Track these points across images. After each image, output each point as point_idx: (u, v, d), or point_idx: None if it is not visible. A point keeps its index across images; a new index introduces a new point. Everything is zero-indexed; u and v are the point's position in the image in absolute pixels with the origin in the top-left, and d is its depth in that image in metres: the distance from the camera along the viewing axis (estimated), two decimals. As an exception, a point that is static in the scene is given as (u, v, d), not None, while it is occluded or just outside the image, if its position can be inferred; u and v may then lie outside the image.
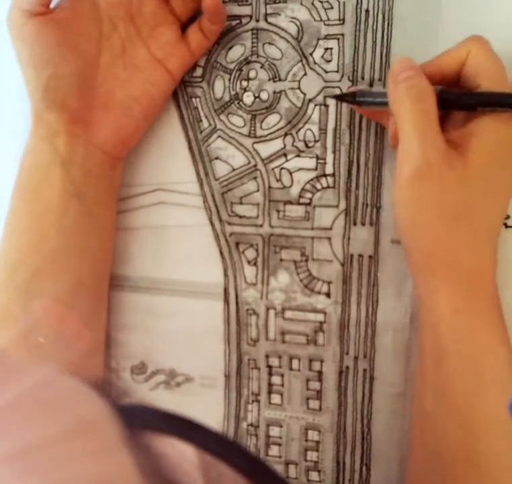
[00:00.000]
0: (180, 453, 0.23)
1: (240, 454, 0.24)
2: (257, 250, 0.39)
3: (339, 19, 0.36)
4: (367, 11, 0.35)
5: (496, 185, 0.30)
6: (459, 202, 0.30)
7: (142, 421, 0.24)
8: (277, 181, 0.38)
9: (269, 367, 0.39)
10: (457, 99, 0.31)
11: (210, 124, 0.39)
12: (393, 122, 0.32)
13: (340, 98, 0.35)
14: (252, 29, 0.37)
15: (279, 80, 0.37)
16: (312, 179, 0.37)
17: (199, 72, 0.39)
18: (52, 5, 0.34)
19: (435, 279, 0.31)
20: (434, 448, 0.31)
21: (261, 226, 0.38)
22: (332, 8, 0.36)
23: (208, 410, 0.41)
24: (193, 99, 0.39)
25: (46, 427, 0.19)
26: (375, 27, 0.35)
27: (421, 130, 0.29)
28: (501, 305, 0.32)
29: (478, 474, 0.30)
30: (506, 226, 0.35)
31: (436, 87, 0.31)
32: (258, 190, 0.38)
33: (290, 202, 0.38)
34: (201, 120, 0.39)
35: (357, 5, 0.35)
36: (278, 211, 0.38)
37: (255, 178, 0.38)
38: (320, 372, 0.38)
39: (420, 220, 0.31)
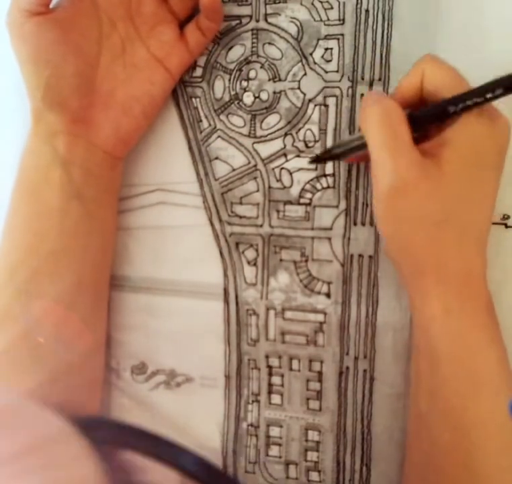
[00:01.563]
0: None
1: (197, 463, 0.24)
2: (256, 250, 0.39)
3: (339, 19, 0.36)
4: (367, 11, 0.35)
5: (477, 188, 0.30)
6: (439, 210, 0.30)
7: (104, 436, 0.25)
8: (277, 181, 0.38)
9: (269, 367, 0.39)
10: (426, 113, 0.30)
11: (210, 124, 0.39)
12: None
13: (318, 160, 0.36)
14: (252, 30, 0.37)
15: (279, 80, 0.37)
16: (312, 179, 0.37)
17: (199, 72, 0.39)
18: (51, 5, 0.34)
19: (424, 283, 0.31)
20: (428, 449, 0.31)
21: (261, 226, 0.38)
22: (332, 8, 0.36)
23: (208, 410, 0.41)
24: (193, 99, 0.39)
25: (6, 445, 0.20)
26: (375, 27, 0.35)
27: (391, 147, 0.29)
28: (493, 305, 0.32)
29: (471, 476, 0.29)
30: (506, 226, 0.35)
31: (403, 110, 0.30)
32: (258, 190, 0.38)
33: (290, 202, 0.38)
34: (201, 120, 0.39)
35: (357, 5, 0.35)
36: (278, 211, 0.38)
37: (255, 178, 0.38)
38: (320, 373, 0.38)
39: (402, 232, 0.31)
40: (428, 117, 0.30)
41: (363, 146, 0.32)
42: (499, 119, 0.30)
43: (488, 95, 0.28)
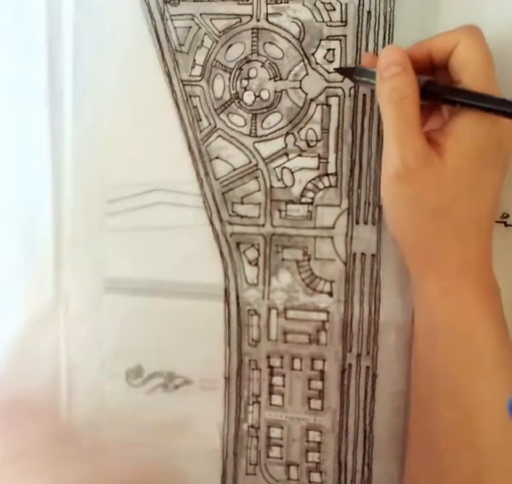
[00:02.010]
0: None
1: None
2: (258, 250, 0.38)
3: (341, 21, 0.36)
4: (368, 12, 0.36)
5: (477, 183, 0.31)
6: (439, 200, 0.30)
7: None
8: (279, 180, 0.38)
9: (271, 367, 0.39)
10: (440, 93, 0.31)
11: (210, 123, 0.39)
12: None
13: (340, 71, 0.36)
14: (252, 29, 0.37)
15: (280, 79, 0.37)
16: (314, 179, 0.37)
17: (198, 71, 0.38)
18: None
19: (424, 268, 0.32)
20: (429, 433, 0.31)
21: (263, 225, 0.38)
22: (334, 10, 0.36)
23: (208, 412, 0.40)
24: (192, 98, 0.39)
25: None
26: (377, 28, 0.36)
27: (400, 135, 0.30)
28: (499, 291, 0.32)
29: (473, 455, 0.30)
30: (505, 224, 0.35)
31: (422, 78, 0.31)
32: (259, 190, 0.38)
33: (292, 202, 0.38)
34: (200, 119, 0.39)
35: (359, 7, 0.36)
36: (280, 210, 0.38)
37: (256, 178, 0.38)
38: (322, 371, 0.38)
39: (403, 217, 0.32)
40: (442, 97, 0.31)
41: None
42: (504, 120, 0.30)
43: (507, 110, 0.29)
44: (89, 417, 0.41)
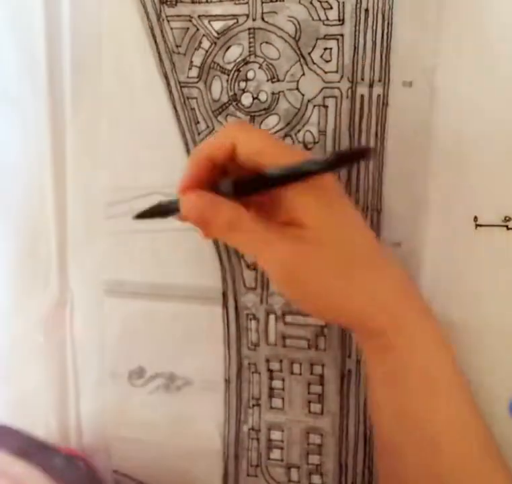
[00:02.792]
0: None
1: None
2: (256, 253, 0.38)
3: (338, 20, 0.35)
4: (366, 10, 0.35)
5: (343, 220, 0.31)
6: (329, 261, 0.30)
7: None
8: (277, 183, 0.37)
9: (270, 371, 0.39)
10: (253, 184, 0.30)
11: (208, 126, 0.38)
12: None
13: (141, 216, 0.34)
14: (249, 29, 0.37)
15: (278, 80, 0.37)
16: (311, 182, 0.37)
17: (195, 72, 0.38)
18: None
19: (368, 327, 0.31)
20: (396, 471, 0.31)
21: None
22: (331, 8, 0.35)
23: (209, 413, 0.40)
24: (190, 100, 0.38)
25: None
26: (375, 27, 0.35)
27: (260, 241, 0.30)
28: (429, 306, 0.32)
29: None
30: (507, 228, 0.34)
31: (226, 182, 0.30)
32: (257, 193, 0.38)
33: (290, 205, 0.37)
34: (198, 122, 0.38)
35: (356, 5, 0.35)
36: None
37: (254, 180, 0.38)
38: (321, 376, 0.38)
39: (317, 300, 0.31)
40: (252, 187, 0.30)
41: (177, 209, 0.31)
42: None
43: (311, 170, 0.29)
44: (93, 417, 0.42)
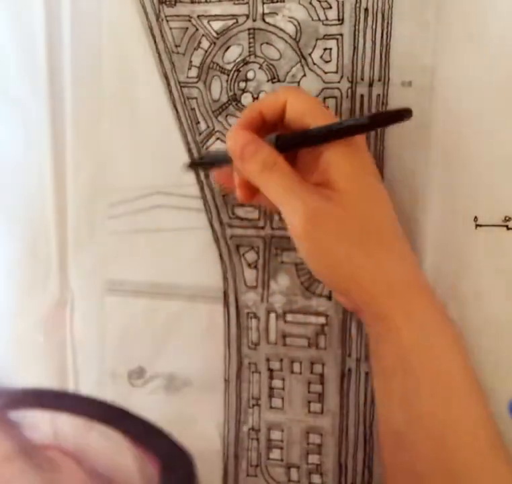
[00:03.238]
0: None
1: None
2: (257, 252, 0.38)
3: (338, 19, 0.35)
4: (366, 10, 0.35)
5: (370, 194, 0.31)
6: (351, 227, 0.30)
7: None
8: (277, 183, 0.37)
9: (270, 370, 0.39)
10: (294, 141, 0.32)
11: (208, 126, 0.38)
12: (237, 176, 0.33)
13: (193, 165, 0.38)
14: (249, 29, 0.37)
15: (278, 81, 0.37)
16: (311, 181, 0.37)
17: (194, 72, 0.38)
18: None
19: (375, 304, 0.31)
20: (407, 462, 0.31)
21: (262, 228, 0.38)
22: (330, 8, 0.35)
23: (208, 413, 0.40)
24: (190, 101, 0.38)
25: None
26: (374, 26, 0.35)
27: (290, 189, 0.30)
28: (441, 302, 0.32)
29: (453, 480, 0.29)
30: (507, 228, 0.35)
31: (270, 136, 0.32)
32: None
33: (290, 204, 0.37)
34: (198, 122, 0.38)
35: (356, 4, 0.35)
36: (280, 213, 0.38)
37: (254, 180, 0.38)
38: (321, 375, 0.38)
39: (332, 265, 0.31)
40: (294, 142, 0.32)
41: (230, 159, 0.33)
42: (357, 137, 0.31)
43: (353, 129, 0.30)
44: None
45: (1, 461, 0.21)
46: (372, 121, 0.30)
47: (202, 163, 0.38)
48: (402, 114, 0.30)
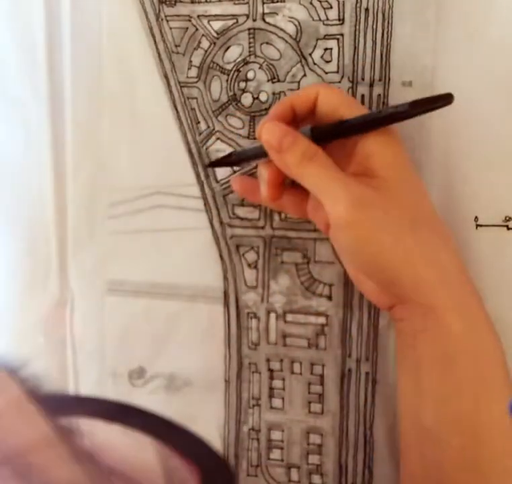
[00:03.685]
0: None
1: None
2: (257, 253, 0.38)
3: (338, 19, 0.35)
4: (366, 9, 0.35)
5: (411, 181, 0.32)
6: (399, 214, 0.30)
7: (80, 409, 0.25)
8: (277, 183, 0.37)
9: (270, 371, 0.39)
10: (331, 131, 0.32)
11: (209, 126, 0.38)
12: (266, 173, 0.34)
13: (214, 165, 0.38)
14: (249, 29, 0.37)
15: (278, 81, 0.37)
16: (312, 181, 0.37)
17: (194, 72, 0.38)
18: None
19: (425, 295, 0.30)
20: (434, 459, 0.31)
21: (263, 228, 0.38)
22: (331, 8, 0.35)
23: (208, 414, 0.40)
24: (190, 100, 0.38)
25: None
26: (375, 26, 0.35)
27: (332, 177, 0.30)
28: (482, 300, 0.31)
29: (480, 479, 0.30)
30: (507, 228, 0.35)
31: (304, 128, 0.32)
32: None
33: (291, 204, 0.37)
34: (199, 122, 0.38)
35: (356, 4, 0.35)
36: (280, 213, 0.38)
37: (255, 180, 0.38)
38: (321, 376, 0.38)
39: (378, 252, 0.30)
40: (331, 133, 0.32)
41: (262, 154, 0.33)
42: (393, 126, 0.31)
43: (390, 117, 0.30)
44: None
45: (41, 446, 0.21)
46: (413, 108, 0.29)
47: (230, 162, 0.37)
48: (444, 99, 0.29)
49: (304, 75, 0.36)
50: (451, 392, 0.30)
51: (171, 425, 0.25)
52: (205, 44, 0.37)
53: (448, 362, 0.30)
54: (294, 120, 0.33)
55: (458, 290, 0.30)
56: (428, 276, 0.30)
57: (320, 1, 0.35)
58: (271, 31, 0.36)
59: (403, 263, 0.30)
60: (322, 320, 0.38)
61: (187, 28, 0.38)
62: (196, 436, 0.25)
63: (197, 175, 0.39)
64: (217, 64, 0.38)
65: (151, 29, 0.38)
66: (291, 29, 0.36)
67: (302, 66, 0.36)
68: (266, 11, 0.36)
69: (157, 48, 0.38)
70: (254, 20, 0.36)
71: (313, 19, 0.36)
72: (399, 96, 0.35)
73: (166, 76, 0.39)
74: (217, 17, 0.37)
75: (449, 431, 0.30)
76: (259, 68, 0.37)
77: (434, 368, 0.31)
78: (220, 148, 0.38)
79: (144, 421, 0.25)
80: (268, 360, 0.39)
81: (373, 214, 0.30)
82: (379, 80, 0.35)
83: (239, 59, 0.37)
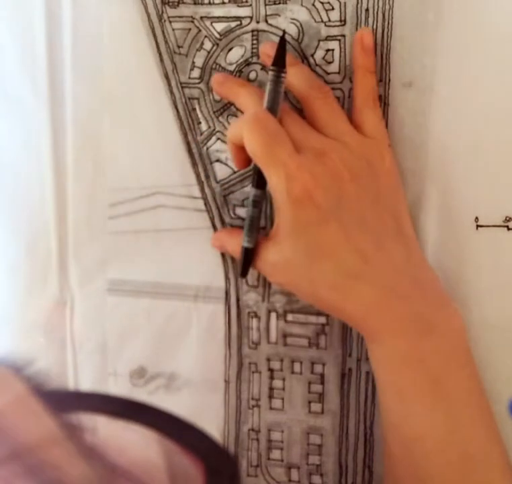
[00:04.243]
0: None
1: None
2: (258, 252, 0.38)
3: (340, 20, 0.35)
4: (367, 10, 0.35)
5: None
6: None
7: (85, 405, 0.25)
8: (278, 183, 0.38)
9: (271, 370, 0.39)
10: None
11: (209, 126, 0.38)
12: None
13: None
14: (252, 31, 0.37)
15: (280, 81, 0.37)
16: (313, 181, 0.37)
17: (196, 73, 0.38)
18: None
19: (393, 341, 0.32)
20: (389, 468, 0.33)
21: (264, 228, 0.38)
22: (333, 9, 0.35)
23: (209, 414, 0.40)
24: (191, 101, 0.39)
25: None
26: (375, 27, 0.35)
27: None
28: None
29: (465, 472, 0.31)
30: (507, 228, 0.35)
31: None
32: (259, 192, 0.38)
33: (291, 204, 0.37)
34: (200, 122, 0.39)
35: (357, 5, 0.35)
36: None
37: (256, 180, 0.38)
38: (322, 375, 0.38)
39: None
40: None
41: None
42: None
43: None
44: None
45: (49, 442, 0.21)
46: None
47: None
48: None
49: (306, 76, 0.36)
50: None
51: (175, 420, 0.26)
52: (208, 45, 0.38)
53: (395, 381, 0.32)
54: None
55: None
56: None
57: (323, 3, 0.36)
58: (273, 33, 0.37)
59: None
60: (322, 319, 0.38)
61: (190, 29, 0.38)
62: (200, 431, 0.25)
63: (198, 176, 0.39)
64: (219, 65, 0.38)
65: (153, 29, 0.38)
66: (293, 30, 0.36)
67: (304, 67, 0.36)
68: (269, 12, 0.36)
69: (159, 49, 0.38)
70: (257, 22, 0.37)
71: (315, 21, 0.36)
72: (399, 96, 0.35)
73: (167, 77, 0.39)
74: (220, 18, 0.37)
75: (393, 440, 0.32)
76: (261, 69, 0.37)
77: (387, 388, 0.33)
78: (220, 149, 0.38)
79: (148, 417, 0.25)
80: (268, 360, 0.39)
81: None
82: (380, 80, 0.35)
83: (241, 60, 0.37)
